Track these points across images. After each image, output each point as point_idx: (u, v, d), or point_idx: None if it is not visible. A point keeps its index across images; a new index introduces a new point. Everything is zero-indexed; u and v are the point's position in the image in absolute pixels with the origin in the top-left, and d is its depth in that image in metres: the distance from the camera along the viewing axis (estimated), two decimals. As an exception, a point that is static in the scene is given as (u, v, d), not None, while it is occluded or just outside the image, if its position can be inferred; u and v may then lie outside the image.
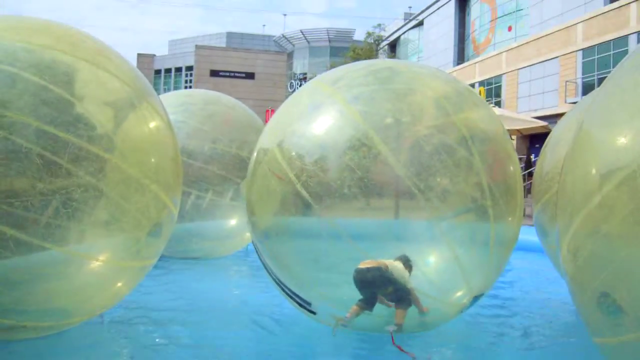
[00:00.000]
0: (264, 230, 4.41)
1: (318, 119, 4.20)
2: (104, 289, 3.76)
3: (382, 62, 5.65)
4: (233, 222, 7.48)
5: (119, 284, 3.82)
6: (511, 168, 4.31)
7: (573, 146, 3.00)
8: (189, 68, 59.96)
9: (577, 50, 28.72)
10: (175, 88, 58.05)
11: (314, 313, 4.30)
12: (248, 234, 7.71)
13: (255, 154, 4.57)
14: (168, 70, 61.95)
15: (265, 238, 4.40)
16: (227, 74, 57.17)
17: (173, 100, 7.32)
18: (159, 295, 5.58)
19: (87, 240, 3.36)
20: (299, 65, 65.40)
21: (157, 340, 4.27)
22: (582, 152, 2.84)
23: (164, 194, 3.71)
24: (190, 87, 56.13)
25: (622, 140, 2.47)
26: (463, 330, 4.85)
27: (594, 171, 2.62)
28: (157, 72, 61.58)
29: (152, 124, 3.73)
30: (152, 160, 3.64)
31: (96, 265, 3.44)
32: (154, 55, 63.02)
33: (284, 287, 4.34)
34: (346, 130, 4.02)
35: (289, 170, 4.03)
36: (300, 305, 4.31)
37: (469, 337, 4.74)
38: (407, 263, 3.97)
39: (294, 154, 4.10)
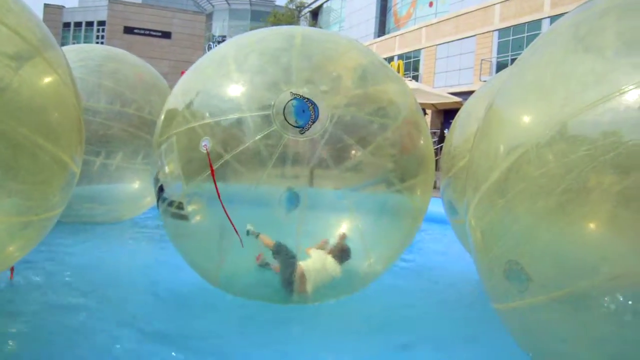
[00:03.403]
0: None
1: (230, 84, 4.07)
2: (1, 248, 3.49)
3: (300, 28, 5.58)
4: (131, 185, 7.15)
5: (11, 248, 3.56)
6: (422, 141, 4.39)
7: (483, 121, 3.09)
8: (101, 23, 56.54)
9: (493, 30, 29.75)
10: (86, 44, 54.66)
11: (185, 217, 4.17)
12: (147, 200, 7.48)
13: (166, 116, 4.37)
14: (78, 25, 58.09)
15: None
16: (142, 31, 54.47)
17: (72, 55, 6.75)
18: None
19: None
20: (218, 28, 63.53)
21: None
22: (489, 129, 2.95)
23: (62, 153, 3.46)
24: (102, 43, 53.09)
25: (524, 119, 2.59)
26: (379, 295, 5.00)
27: (496, 148, 2.75)
28: (66, 25, 57.61)
29: (46, 81, 3.43)
30: (46, 118, 3.35)
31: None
32: (63, 7, 58.87)
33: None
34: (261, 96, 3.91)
35: (202, 133, 3.89)
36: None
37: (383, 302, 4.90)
38: (343, 255, 4.05)
39: (207, 115, 3.96)
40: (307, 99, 3.67)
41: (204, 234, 4.23)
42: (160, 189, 4.25)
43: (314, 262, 4.15)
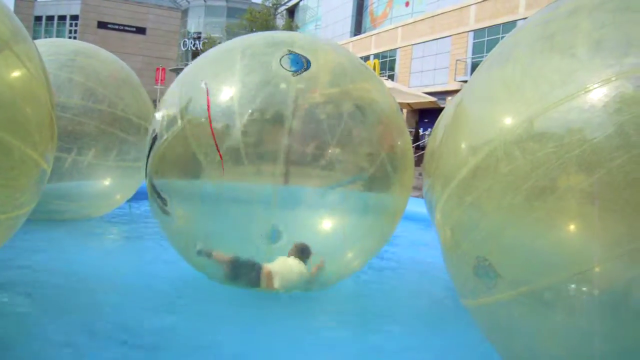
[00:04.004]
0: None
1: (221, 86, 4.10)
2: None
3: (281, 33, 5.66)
4: (102, 182, 7.03)
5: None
6: (400, 142, 4.43)
7: (451, 120, 3.14)
8: (74, 17, 55.63)
9: (469, 31, 30.09)
10: (58, 38, 53.59)
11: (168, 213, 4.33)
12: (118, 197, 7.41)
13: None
14: (50, 18, 57.02)
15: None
16: (116, 26, 53.83)
17: (43, 49, 6.62)
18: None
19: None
20: (194, 24, 62.85)
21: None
22: (458, 125, 2.99)
23: (31, 150, 3.36)
24: (75, 38, 52.20)
25: (491, 116, 2.64)
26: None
27: (467, 142, 2.78)
28: (38, 19, 56.55)
29: (15, 75, 3.29)
30: (15, 114, 3.22)
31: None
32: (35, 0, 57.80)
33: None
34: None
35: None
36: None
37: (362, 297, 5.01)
38: (303, 253, 4.07)
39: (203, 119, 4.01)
40: (302, 55, 4.17)
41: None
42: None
43: (279, 264, 4.18)
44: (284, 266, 4.16)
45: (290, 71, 4.03)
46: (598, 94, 2.15)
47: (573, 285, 2.27)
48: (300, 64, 4.09)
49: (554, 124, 2.27)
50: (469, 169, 2.63)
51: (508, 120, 2.46)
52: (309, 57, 4.18)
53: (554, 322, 2.43)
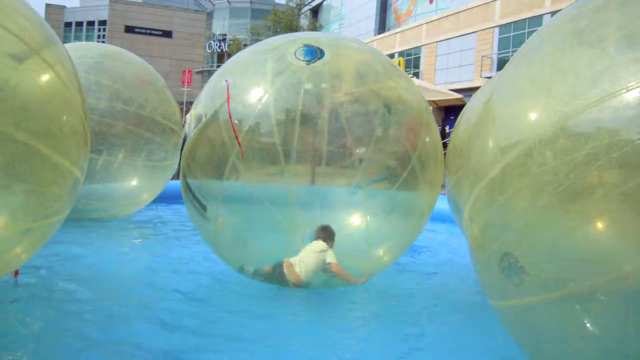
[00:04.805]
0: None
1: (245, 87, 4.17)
2: (4, 253, 3.45)
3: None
4: (130, 182, 7.16)
5: (19, 249, 3.53)
6: (428, 139, 4.39)
7: (480, 118, 3.08)
8: (102, 23, 56.53)
9: (494, 27, 29.67)
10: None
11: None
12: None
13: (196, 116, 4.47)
14: (79, 24, 58.05)
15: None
16: (143, 30, 54.47)
17: (71, 54, 6.70)
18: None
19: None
20: (219, 26, 63.36)
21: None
22: (488, 123, 2.93)
23: (63, 159, 3.34)
24: (104, 42, 53.10)
25: (525, 114, 2.56)
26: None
27: (497, 142, 2.72)
28: (68, 25, 57.58)
29: (46, 83, 3.26)
30: (46, 121, 3.20)
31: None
32: (64, 6, 58.85)
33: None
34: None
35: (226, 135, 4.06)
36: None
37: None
38: (327, 236, 4.10)
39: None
40: (317, 47, 4.31)
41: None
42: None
43: (300, 253, 4.31)
44: (302, 253, 4.29)
45: (304, 61, 4.12)
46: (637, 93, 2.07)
47: (610, 289, 2.21)
48: (314, 53, 4.19)
49: (592, 123, 2.19)
50: (500, 168, 2.57)
51: (542, 119, 2.39)
52: (332, 53, 4.20)
53: (588, 325, 2.37)
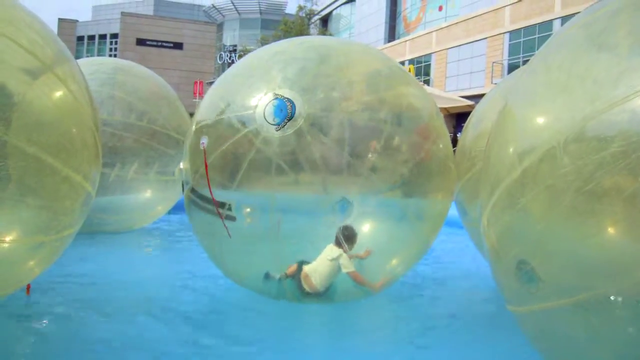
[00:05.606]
0: None
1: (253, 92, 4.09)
2: (16, 267, 3.47)
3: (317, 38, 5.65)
4: (143, 195, 7.19)
5: (31, 263, 3.55)
6: (441, 146, 4.36)
7: (497, 123, 3.06)
8: (114, 36, 57.15)
9: (504, 33, 29.58)
10: (98, 57, 55.26)
11: (234, 218, 4.21)
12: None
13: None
14: (91, 38, 58.74)
15: None
16: (154, 43, 54.91)
17: (83, 69, 6.77)
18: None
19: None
20: (229, 37, 63.86)
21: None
22: (506, 128, 2.90)
23: (74, 173, 3.37)
24: (115, 56, 53.61)
25: (543, 118, 2.54)
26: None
27: (515, 147, 2.69)
28: (80, 39, 58.31)
29: (58, 98, 3.30)
30: (57, 136, 3.23)
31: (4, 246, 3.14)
32: (77, 20, 59.60)
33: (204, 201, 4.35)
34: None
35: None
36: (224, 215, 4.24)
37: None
38: (346, 237, 4.05)
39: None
40: (287, 98, 3.84)
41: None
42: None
43: (314, 262, 4.25)
44: (316, 262, 4.23)
45: (273, 125, 3.83)
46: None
47: (629, 296, 2.18)
48: (284, 111, 3.84)
49: (609, 127, 2.16)
50: (519, 174, 2.55)
51: (559, 126, 2.36)
52: (341, 61, 4.17)
53: (605, 332, 2.34)
